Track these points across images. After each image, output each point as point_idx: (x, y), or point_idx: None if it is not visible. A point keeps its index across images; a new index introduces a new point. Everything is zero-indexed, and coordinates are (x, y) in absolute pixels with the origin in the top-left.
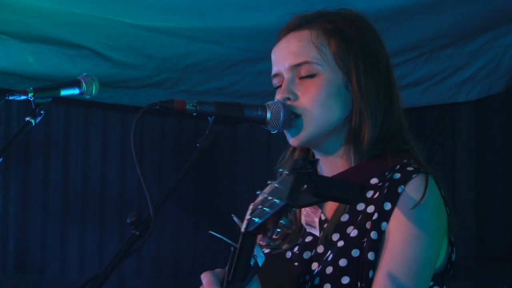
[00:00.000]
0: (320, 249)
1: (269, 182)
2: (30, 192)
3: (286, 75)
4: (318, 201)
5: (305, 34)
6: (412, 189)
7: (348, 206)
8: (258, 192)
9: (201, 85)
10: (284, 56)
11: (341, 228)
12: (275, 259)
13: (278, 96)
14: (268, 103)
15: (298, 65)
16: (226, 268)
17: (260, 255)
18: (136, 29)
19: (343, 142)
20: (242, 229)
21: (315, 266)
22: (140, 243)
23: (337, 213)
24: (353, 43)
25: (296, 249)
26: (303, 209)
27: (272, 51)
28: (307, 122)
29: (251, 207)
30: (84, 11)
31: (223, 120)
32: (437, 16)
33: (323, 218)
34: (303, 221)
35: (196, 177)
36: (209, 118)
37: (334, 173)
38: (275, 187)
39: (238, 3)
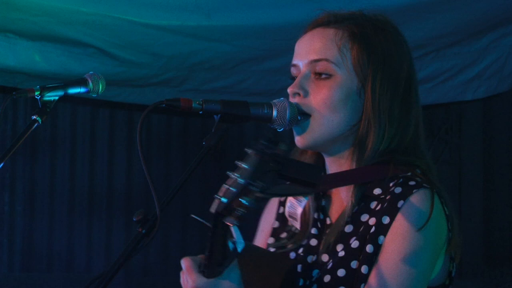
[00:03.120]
0: (325, 257)
1: (236, 162)
2: (36, 190)
3: (303, 70)
4: (289, 193)
5: (330, 32)
6: (412, 205)
7: (350, 213)
8: (228, 173)
9: (207, 83)
10: (305, 50)
11: (344, 238)
12: (276, 257)
13: (290, 89)
14: (274, 101)
15: (316, 61)
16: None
17: (240, 241)
18: (142, 27)
19: (349, 148)
20: (212, 210)
21: (315, 272)
22: (146, 241)
23: (341, 219)
24: (375, 52)
25: (300, 250)
26: (287, 200)
27: (297, 42)
28: (314, 123)
29: (222, 187)
30: (90, 10)
31: (229, 118)
32: (443, 15)
33: (328, 222)
34: (286, 213)
35: (202, 175)
36: (215, 116)
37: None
38: (242, 167)
39: (244, 1)
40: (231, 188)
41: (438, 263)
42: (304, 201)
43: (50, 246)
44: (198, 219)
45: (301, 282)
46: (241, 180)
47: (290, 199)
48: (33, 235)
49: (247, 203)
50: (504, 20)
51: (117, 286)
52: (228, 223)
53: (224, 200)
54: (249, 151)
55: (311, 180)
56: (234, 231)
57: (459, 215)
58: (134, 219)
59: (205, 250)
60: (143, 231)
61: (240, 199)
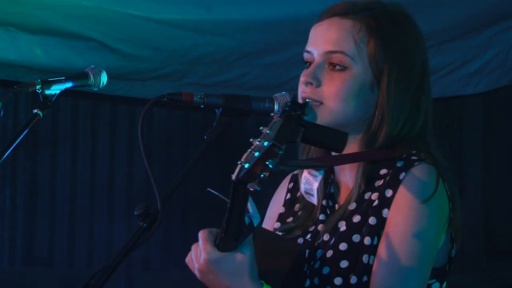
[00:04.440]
0: (326, 236)
1: (261, 128)
2: (38, 185)
3: (317, 59)
4: (308, 166)
5: (348, 24)
6: (414, 176)
7: (357, 195)
8: (251, 140)
9: (208, 77)
10: (321, 40)
11: (348, 216)
12: (285, 240)
13: (302, 78)
14: (275, 95)
15: (332, 52)
16: (221, 226)
17: (256, 216)
18: (143, 21)
19: (359, 137)
20: (233, 177)
21: (319, 252)
22: (147, 235)
23: (346, 202)
24: (392, 47)
25: (308, 236)
26: (303, 176)
27: (313, 28)
28: (324, 112)
29: (244, 155)
30: (92, 3)
31: (231, 113)
32: (445, 9)
33: (336, 208)
34: (302, 190)
35: (204, 169)
36: (216, 110)
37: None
38: (266, 132)
39: None
40: (253, 152)
41: (440, 241)
42: (319, 176)
43: (51, 241)
44: (215, 193)
45: (305, 267)
46: (265, 143)
47: (305, 175)
48: (34, 229)
49: (271, 166)
50: (506, 14)
51: (118, 280)
52: (250, 189)
53: (247, 165)
54: (274, 115)
55: (335, 144)
56: (250, 205)
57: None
58: (136, 213)
59: (222, 222)
60: (144, 225)
61: (265, 162)
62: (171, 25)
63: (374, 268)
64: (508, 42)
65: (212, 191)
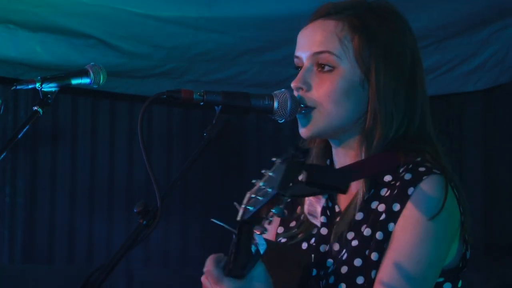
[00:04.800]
0: (336, 246)
1: (263, 171)
2: (38, 182)
3: (305, 63)
4: (312, 193)
5: (331, 24)
6: (422, 192)
7: (361, 201)
8: (254, 181)
9: (208, 75)
10: (307, 43)
11: (355, 226)
12: (290, 248)
13: (293, 84)
14: (275, 92)
15: (318, 53)
16: (228, 255)
17: (261, 243)
18: (143, 18)
19: (356, 138)
20: (238, 218)
21: (330, 263)
22: (147, 232)
23: (351, 208)
24: (377, 42)
25: (312, 240)
26: (306, 198)
27: (299, 33)
28: (318, 116)
29: (247, 195)
30: (92, 1)
31: (230, 110)
32: (445, 5)
33: (337, 210)
34: (305, 211)
35: (203, 166)
36: (216, 107)
37: (346, 164)
38: (269, 176)
39: None
40: (258, 197)
41: (453, 247)
42: (323, 199)
43: (51, 238)
44: (219, 223)
45: (314, 272)
46: (269, 190)
47: (309, 197)
48: (34, 226)
49: (276, 212)
50: (506, 12)
51: (118, 277)
52: (257, 232)
53: (252, 209)
54: (276, 160)
55: (340, 186)
56: (255, 235)
57: None
58: (135, 210)
59: (229, 254)
60: (144, 222)
61: (271, 209)
62: (171, 23)
63: (375, 285)
64: (508, 40)
65: (217, 221)
